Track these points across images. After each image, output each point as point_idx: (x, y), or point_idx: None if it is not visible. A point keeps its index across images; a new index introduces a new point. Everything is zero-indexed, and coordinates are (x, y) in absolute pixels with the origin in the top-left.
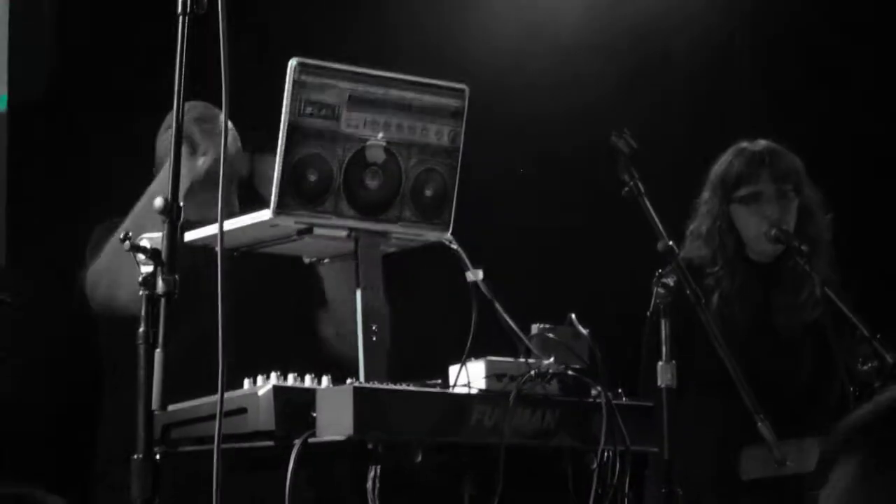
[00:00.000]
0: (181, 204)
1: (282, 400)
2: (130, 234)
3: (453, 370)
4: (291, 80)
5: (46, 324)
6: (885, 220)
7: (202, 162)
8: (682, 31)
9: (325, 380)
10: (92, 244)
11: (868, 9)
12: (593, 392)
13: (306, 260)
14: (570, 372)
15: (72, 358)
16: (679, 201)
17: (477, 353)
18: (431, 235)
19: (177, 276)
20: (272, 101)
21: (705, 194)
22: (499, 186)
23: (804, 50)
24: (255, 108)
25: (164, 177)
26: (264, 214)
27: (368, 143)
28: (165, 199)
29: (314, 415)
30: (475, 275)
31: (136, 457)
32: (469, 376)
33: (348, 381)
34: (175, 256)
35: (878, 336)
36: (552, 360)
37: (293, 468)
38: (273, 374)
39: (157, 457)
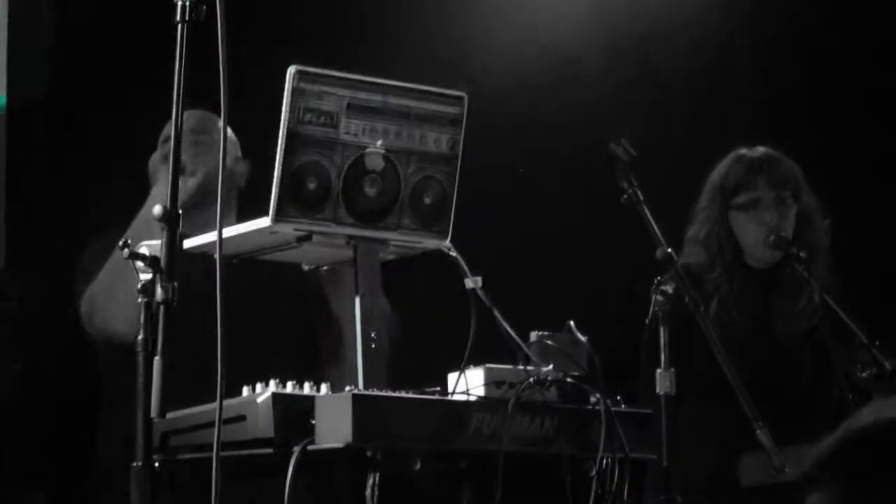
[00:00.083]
0: (180, 211)
1: (281, 407)
2: (129, 241)
3: (452, 377)
4: (290, 87)
5: (46, 325)
6: (885, 225)
7: (191, 183)
8: (682, 32)
9: (324, 387)
10: (85, 260)
11: (868, 9)
12: (592, 399)
13: (305, 267)
14: (568, 379)
15: (72, 359)
16: (679, 201)
17: (476, 361)
18: (430, 243)
19: (175, 284)
20: (271, 108)
21: (704, 201)
22: (498, 191)
23: (804, 50)
24: (254, 116)
25: (156, 193)
26: (263, 222)
27: (367, 150)
28: (164, 207)
29: (313, 422)
30: (474, 282)
31: (135, 464)
32: (468, 383)
33: (347, 388)
34: (174, 264)
35: (877, 343)
36: (551, 367)
37: (292, 475)
38: (272, 382)
39: (156, 464)
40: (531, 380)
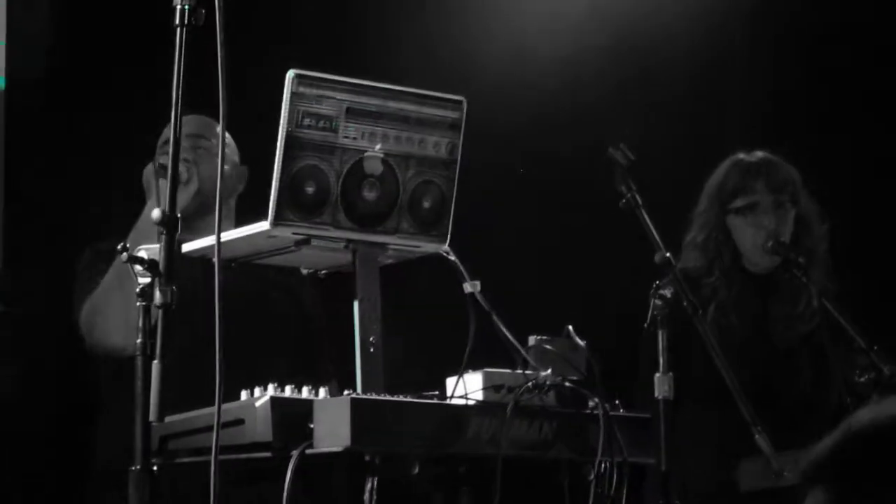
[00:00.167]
0: (178, 215)
1: (279, 411)
2: (128, 245)
3: (451, 381)
4: (289, 91)
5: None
6: (883, 228)
7: (185, 194)
8: (681, 34)
9: (322, 391)
10: (82, 272)
11: (868, 9)
12: (591, 403)
13: (304, 271)
14: (567, 383)
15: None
16: (679, 200)
17: (474, 365)
18: (429, 247)
19: (174, 287)
20: (270, 111)
21: (702, 205)
22: (496, 193)
23: (804, 51)
24: (253, 119)
25: (150, 206)
26: (262, 225)
27: (366, 154)
28: (163, 211)
29: (311, 426)
30: (472, 286)
31: (133, 468)
32: (466, 387)
33: (346, 392)
34: (173, 267)
35: (875, 347)
36: (549, 371)
37: (290, 479)
38: (270, 386)
39: (155, 468)
40: (530, 384)
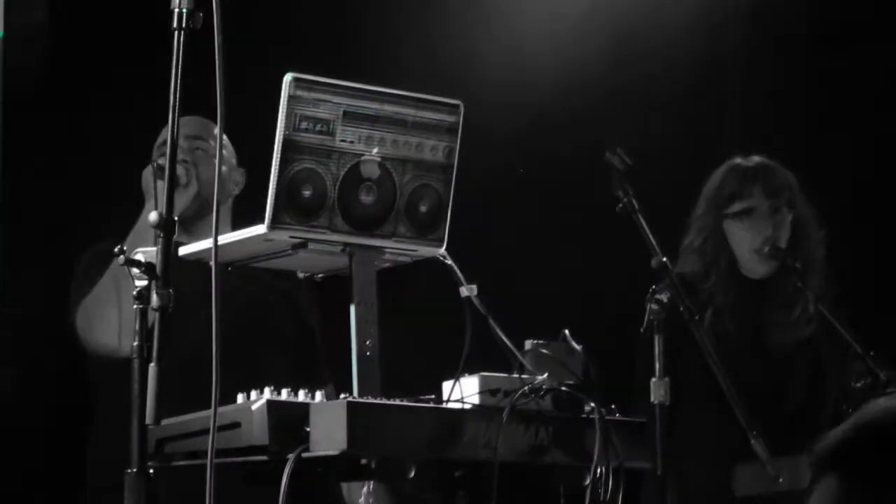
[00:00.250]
0: (175, 218)
1: (275, 414)
2: (126, 248)
3: (447, 385)
4: (286, 95)
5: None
6: (880, 234)
7: (185, 196)
8: (681, 35)
9: (318, 394)
10: (79, 274)
11: (868, 11)
12: (587, 408)
13: (300, 275)
14: (563, 388)
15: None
16: (677, 203)
17: (470, 369)
18: (426, 251)
19: (171, 290)
20: (268, 114)
21: (699, 210)
22: (494, 198)
23: (804, 54)
24: (250, 122)
25: (149, 209)
26: (259, 229)
27: (363, 158)
28: (160, 214)
29: (308, 429)
30: (469, 290)
31: (129, 471)
32: (462, 392)
33: (342, 395)
34: (170, 270)
35: (872, 353)
36: (546, 375)
37: (286, 483)
38: (267, 389)
39: (151, 471)
40: (526, 388)
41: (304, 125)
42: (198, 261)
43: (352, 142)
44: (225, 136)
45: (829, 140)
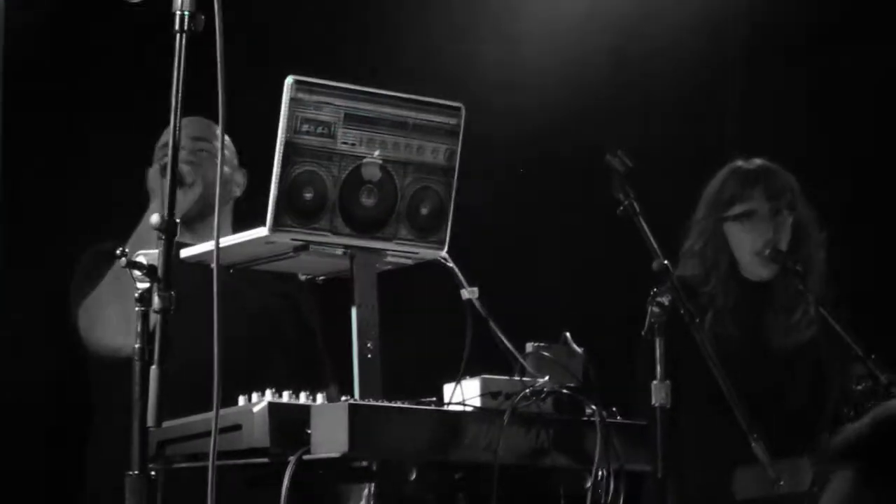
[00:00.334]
0: (177, 220)
1: (277, 417)
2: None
3: (448, 388)
4: (288, 97)
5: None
6: (881, 236)
7: (192, 194)
8: (682, 37)
9: (319, 397)
10: (79, 274)
11: (869, 12)
12: (588, 411)
13: (302, 277)
14: (564, 390)
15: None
16: (677, 206)
17: (472, 371)
18: (427, 253)
19: (173, 293)
20: (268, 117)
21: (700, 213)
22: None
23: (804, 56)
24: (251, 125)
25: (154, 208)
26: (260, 231)
27: (364, 160)
28: (161, 216)
29: (309, 432)
30: (470, 293)
31: (131, 473)
32: (464, 394)
33: (343, 398)
34: (171, 273)
35: (873, 356)
36: (547, 378)
37: (287, 485)
38: (268, 391)
39: (152, 473)
40: (527, 391)
41: (305, 128)
42: (199, 263)
43: (353, 144)
44: (227, 138)
45: (829, 142)
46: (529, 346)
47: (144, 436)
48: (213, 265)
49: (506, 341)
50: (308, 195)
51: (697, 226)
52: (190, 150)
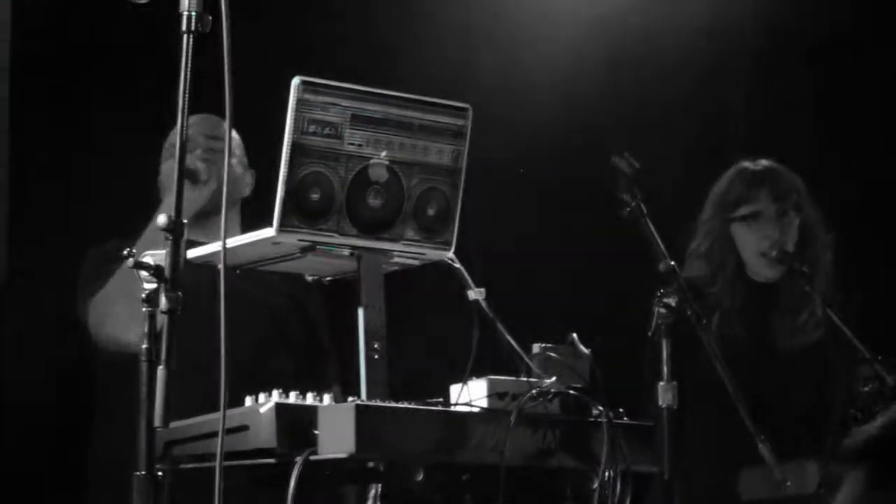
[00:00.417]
0: (184, 221)
1: (284, 417)
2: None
3: (455, 389)
4: (294, 98)
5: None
6: (887, 237)
7: (207, 191)
8: (685, 38)
9: (326, 398)
10: (85, 272)
11: (869, 14)
12: (594, 412)
13: (308, 278)
14: (571, 391)
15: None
16: (684, 208)
17: (478, 372)
18: (433, 254)
19: (180, 293)
20: (275, 118)
21: (706, 214)
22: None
23: (804, 58)
24: (258, 126)
25: (168, 204)
26: (267, 232)
27: (371, 161)
28: (168, 217)
29: (316, 432)
30: (477, 293)
31: (138, 474)
32: (470, 395)
33: (350, 399)
34: (178, 273)
35: (880, 357)
36: (553, 379)
37: (294, 486)
38: (275, 392)
39: (159, 474)
40: (534, 392)
41: (312, 128)
42: (206, 264)
43: (360, 145)
44: (238, 137)
45: (836, 143)
46: (536, 347)
47: (151, 436)
48: (220, 266)
49: (512, 342)
50: (315, 196)
51: (704, 227)
52: (205, 148)
